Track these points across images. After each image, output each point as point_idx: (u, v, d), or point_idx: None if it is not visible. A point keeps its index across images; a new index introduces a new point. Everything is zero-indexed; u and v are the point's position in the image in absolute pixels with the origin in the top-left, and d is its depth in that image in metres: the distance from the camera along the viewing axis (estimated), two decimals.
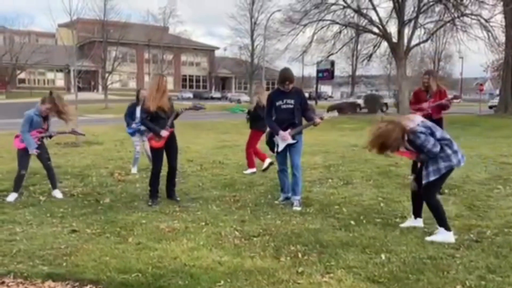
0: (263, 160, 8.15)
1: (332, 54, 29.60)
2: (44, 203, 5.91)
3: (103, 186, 7.02)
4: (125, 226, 4.85)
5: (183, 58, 66.37)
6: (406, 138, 4.33)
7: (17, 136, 6.17)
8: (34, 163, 6.57)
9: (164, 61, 55.28)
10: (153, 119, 5.84)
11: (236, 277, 3.54)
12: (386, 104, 35.12)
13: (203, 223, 4.96)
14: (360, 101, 34.36)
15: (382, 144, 4.34)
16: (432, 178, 4.41)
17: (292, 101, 5.71)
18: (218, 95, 61.29)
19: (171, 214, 5.37)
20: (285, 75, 5.73)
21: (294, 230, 4.71)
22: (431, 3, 25.12)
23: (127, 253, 4.06)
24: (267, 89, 52.13)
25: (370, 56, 30.72)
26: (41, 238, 4.48)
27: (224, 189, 6.74)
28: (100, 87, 50.96)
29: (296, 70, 53.76)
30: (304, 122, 5.84)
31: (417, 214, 4.84)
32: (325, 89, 73.09)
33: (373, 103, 34.06)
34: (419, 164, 4.88)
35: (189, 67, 68.22)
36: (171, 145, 6.01)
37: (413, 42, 25.99)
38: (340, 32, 27.44)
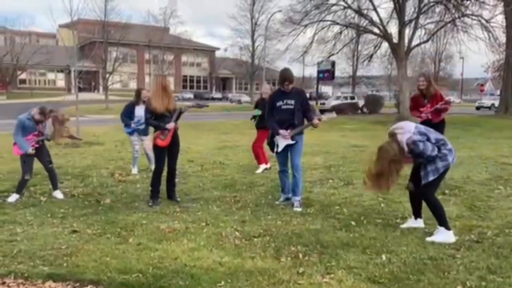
0: (263, 163, 8.23)
1: (332, 54, 29.54)
2: (44, 204, 5.92)
3: (104, 186, 7.02)
4: (126, 227, 4.86)
5: (184, 58, 66.40)
6: (406, 149, 4.31)
7: (15, 144, 6.18)
8: (35, 164, 6.56)
9: (165, 61, 55.30)
10: (157, 118, 5.85)
11: (237, 278, 3.54)
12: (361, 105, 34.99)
13: (204, 224, 4.96)
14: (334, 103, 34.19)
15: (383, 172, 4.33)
16: (431, 178, 4.42)
17: (292, 102, 5.71)
18: (218, 95, 61.33)
19: (171, 215, 5.37)
20: (285, 76, 5.73)
21: (295, 231, 4.71)
22: (432, 4, 25.09)
23: (128, 253, 4.06)
24: None
25: (371, 56, 30.68)
26: (42, 238, 4.48)
27: (225, 190, 6.74)
28: (100, 88, 50.96)
29: (297, 71, 53.84)
30: (305, 122, 5.85)
31: (417, 214, 4.84)
32: (326, 89, 73.05)
33: (374, 104, 34.07)
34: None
35: (189, 68, 68.26)
36: (174, 146, 6.02)
37: (414, 43, 25.94)
38: (340, 32, 27.40)
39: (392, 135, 4.40)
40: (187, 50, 63.88)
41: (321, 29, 26.89)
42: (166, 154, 6.00)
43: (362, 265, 3.79)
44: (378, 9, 26.13)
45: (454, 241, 4.34)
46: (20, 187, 6.19)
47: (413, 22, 25.15)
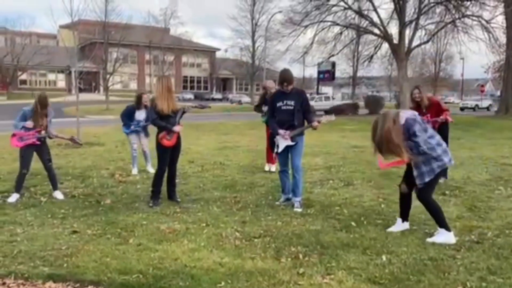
0: (270, 162, 8.28)
1: (333, 55, 29.60)
2: (45, 204, 5.92)
3: (104, 187, 7.02)
4: (126, 227, 4.86)
5: (184, 59, 66.43)
6: (402, 123, 4.30)
7: (13, 135, 6.18)
8: (36, 164, 6.58)
9: (165, 62, 55.35)
10: (162, 119, 5.87)
11: (237, 278, 3.54)
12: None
13: (204, 224, 4.96)
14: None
15: (384, 141, 4.32)
16: (427, 179, 4.40)
17: (292, 102, 5.71)
18: (219, 96, 61.39)
19: (171, 215, 5.37)
20: (284, 77, 5.74)
21: (295, 231, 4.71)
22: (432, 5, 25.12)
23: (128, 254, 4.06)
24: None
25: (371, 57, 30.73)
26: (42, 239, 4.48)
27: (225, 190, 6.74)
28: (101, 88, 50.98)
29: (297, 71, 53.82)
30: (306, 124, 5.84)
31: (404, 217, 4.81)
32: (326, 90, 73.04)
33: (374, 105, 34.06)
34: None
35: (190, 68, 68.29)
36: (177, 146, 6.05)
37: (414, 43, 26.01)
38: (341, 33, 27.45)
39: (396, 113, 4.40)
40: (187, 51, 63.92)
41: (322, 29, 26.96)
42: (170, 155, 6.00)
43: (363, 266, 3.79)
44: (379, 10, 26.22)
45: (455, 242, 4.34)
46: (19, 183, 6.19)
47: (414, 23, 25.20)
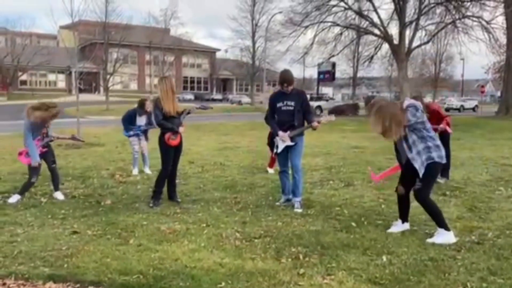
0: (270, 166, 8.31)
1: (333, 55, 29.63)
2: (45, 205, 5.92)
3: (104, 187, 7.02)
4: (126, 228, 4.86)
5: (184, 59, 66.45)
6: (403, 107, 4.36)
7: (20, 154, 6.17)
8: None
9: (165, 62, 55.33)
10: (167, 119, 5.87)
11: (237, 279, 3.54)
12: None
13: (204, 225, 4.96)
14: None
15: (384, 119, 4.35)
16: (428, 162, 4.39)
17: (293, 103, 5.71)
18: (219, 96, 61.40)
19: (172, 216, 5.37)
20: (284, 77, 5.74)
21: (295, 232, 4.71)
22: (432, 5, 25.14)
23: (128, 254, 4.06)
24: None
25: (371, 58, 30.76)
26: (42, 239, 4.48)
27: (225, 191, 6.74)
28: (101, 89, 51.01)
29: (297, 72, 53.78)
30: (306, 124, 5.85)
31: (404, 218, 4.80)
32: (326, 90, 73.08)
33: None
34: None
35: (190, 69, 68.31)
36: (179, 147, 6.07)
37: (414, 44, 26.03)
38: (341, 34, 27.47)
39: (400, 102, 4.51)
40: (187, 51, 63.95)
41: (322, 30, 26.98)
42: (173, 155, 6.00)
43: (363, 266, 3.78)
44: (379, 11, 26.24)
45: (455, 241, 4.33)
46: (24, 189, 6.20)
47: (414, 24, 25.21)
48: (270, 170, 8.20)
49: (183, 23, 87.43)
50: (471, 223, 5.01)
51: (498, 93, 45.11)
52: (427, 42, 27.53)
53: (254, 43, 50.33)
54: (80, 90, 20.36)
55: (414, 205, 5.62)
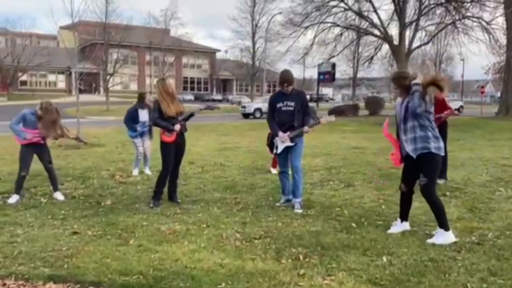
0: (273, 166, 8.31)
1: (333, 56, 29.64)
2: (45, 205, 5.92)
3: (104, 188, 7.02)
4: (126, 228, 4.86)
5: (184, 60, 66.45)
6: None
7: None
8: (36, 165, 6.57)
9: (166, 63, 55.35)
10: (166, 120, 5.86)
11: (237, 279, 3.54)
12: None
13: (204, 225, 4.96)
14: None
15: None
16: (424, 151, 4.41)
17: (293, 104, 5.71)
18: (219, 97, 61.39)
19: (172, 216, 5.37)
20: (284, 77, 5.74)
21: (295, 232, 4.71)
22: (432, 6, 25.15)
23: (128, 255, 4.06)
24: (268, 91, 51.90)
25: (371, 58, 30.77)
26: (42, 240, 4.48)
27: (225, 191, 6.74)
28: (101, 89, 51.02)
29: (297, 73, 53.89)
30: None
31: (404, 217, 4.80)
32: (326, 91, 73.15)
33: (375, 106, 34.06)
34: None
35: (190, 69, 68.30)
36: (181, 148, 6.04)
37: (414, 45, 26.06)
38: (341, 34, 27.49)
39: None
40: (187, 52, 63.97)
41: (322, 31, 26.99)
42: (174, 156, 5.99)
43: (363, 267, 3.78)
44: (379, 11, 26.25)
45: (455, 241, 4.33)
46: (18, 185, 6.19)
47: (414, 24, 25.23)
48: (273, 171, 8.18)
49: (183, 23, 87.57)
50: (471, 223, 5.01)
51: (498, 94, 45.06)
52: (427, 42, 27.57)
53: (254, 43, 50.39)
54: (80, 91, 20.37)
55: (414, 206, 5.62)
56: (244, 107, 31.32)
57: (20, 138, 6.04)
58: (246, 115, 28.00)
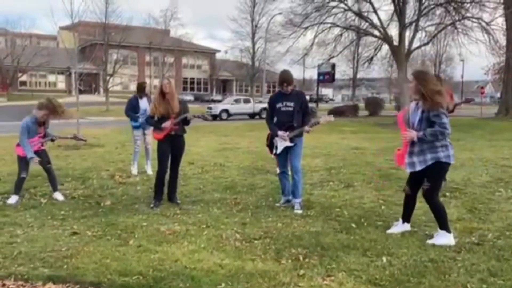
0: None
1: (333, 57, 29.60)
2: (45, 206, 5.92)
3: (104, 188, 7.02)
4: (126, 229, 4.85)
5: (184, 60, 66.43)
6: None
7: (18, 145, 6.18)
8: (36, 165, 6.57)
9: (165, 63, 55.32)
10: (159, 119, 5.89)
11: (237, 280, 3.54)
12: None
13: (204, 226, 4.96)
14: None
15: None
16: (418, 168, 4.37)
17: (292, 104, 5.71)
18: (219, 97, 61.35)
19: (172, 217, 5.36)
20: (283, 77, 5.74)
21: (295, 233, 4.71)
22: (432, 6, 25.13)
23: (128, 255, 4.06)
24: (268, 91, 51.88)
25: (371, 59, 30.74)
26: (42, 240, 4.48)
27: (225, 192, 6.74)
28: (101, 90, 51.01)
29: (297, 73, 53.84)
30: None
31: (406, 218, 4.80)
32: (326, 91, 73.17)
33: (374, 106, 34.08)
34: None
35: (190, 70, 68.29)
36: (177, 149, 6.03)
37: (414, 45, 26.00)
38: (341, 35, 27.46)
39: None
40: (187, 52, 63.95)
41: (322, 31, 26.94)
42: (169, 157, 5.99)
43: (363, 268, 3.78)
44: (379, 12, 26.21)
45: (454, 243, 4.33)
46: (18, 187, 6.19)
47: (414, 25, 25.20)
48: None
49: (183, 24, 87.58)
50: (471, 224, 5.00)
51: (498, 94, 45.06)
52: (427, 43, 27.52)
53: (254, 44, 50.36)
54: (80, 91, 20.36)
55: (415, 206, 5.61)
56: (210, 108, 31.28)
57: (28, 155, 6.01)
58: (214, 117, 27.91)
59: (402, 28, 24.91)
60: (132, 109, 8.10)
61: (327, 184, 7.25)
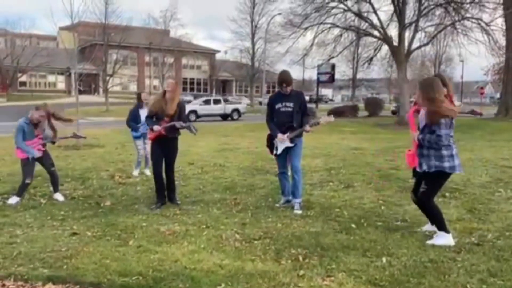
0: None
1: (332, 57, 29.57)
2: (44, 206, 5.92)
3: (104, 189, 7.02)
4: (126, 229, 4.85)
5: (184, 61, 66.41)
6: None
7: (18, 148, 6.19)
8: (36, 166, 6.57)
9: (165, 64, 55.29)
10: (152, 117, 5.97)
11: (237, 280, 3.54)
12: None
13: (204, 226, 4.96)
14: None
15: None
16: (433, 169, 4.33)
17: (291, 104, 5.71)
18: (218, 98, 61.32)
19: (171, 217, 5.36)
20: (282, 78, 5.75)
21: (295, 233, 4.71)
22: (432, 7, 25.12)
23: (128, 256, 4.06)
24: (268, 92, 51.84)
25: (371, 59, 30.72)
26: (42, 240, 4.48)
27: (225, 192, 6.74)
28: (101, 90, 51.00)
29: (297, 73, 53.88)
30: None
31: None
32: (326, 92, 73.17)
33: (374, 107, 34.06)
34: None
35: (190, 70, 68.27)
36: (169, 151, 5.98)
37: (414, 46, 25.97)
38: (340, 35, 27.44)
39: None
40: (187, 53, 63.92)
41: (321, 32, 26.91)
42: (162, 159, 5.97)
43: (363, 268, 3.78)
44: (378, 12, 26.19)
45: (454, 244, 4.33)
46: (21, 191, 6.20)
47: (413, 25, 25.18)
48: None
49: (182, 24, 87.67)
50: (471, 224, 5.01)
51: (498, 95, 45.05)
52: (427, 43, 27.51)
53: (253, 44, 50.36)
54: (80, 92, 20.29)
55: (414, 207, 5.62)
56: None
57: (30, 156, 6.02)
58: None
59: (402, 28, 24.91)
60: (133, 119, 8.16)
61: (327, 185, 7.25)
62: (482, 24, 24.11)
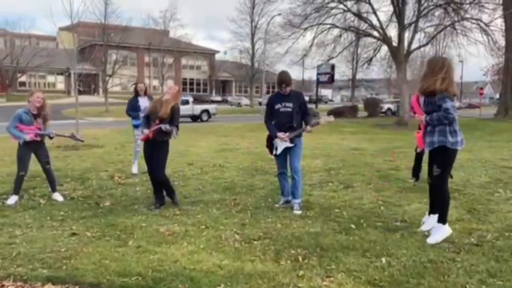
0: None
1: (332, 57, 29.62)
2: (44, 206, 5.91)
3: (103, 189, 7.01)
4: (125, 229, 4.85)
5: (184, 61, 66.44)
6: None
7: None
8: (35, 166, 6.57)
9: (165, 64, 55.34)
10: (147, 117, 5.99)
11: (237, 281, 3.54)
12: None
13: (203, 227, 4.96)
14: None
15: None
16: (436, 145, 4.42)
17: (291, 105, 5.71)
18: (218, 98, 61.37)
19: (171, 218, 5.36)
20: (281, 78, 5.75)
21: (295, 234, 4.71)
22: (431, 7, 25.15)
23: (127, 256, 4.06)
24: (267, 92, 51.93)
25: (370, 59, 30.75)
26: (41, 241, 4.47)
27: (225, 193, 6.74)
28: (100, 90, 50.99)
29: (297, 74, 53.93)
30: (304, 125, 5.84)
31: (434, 211, 4.79)
32: (325, 92, 73.22)
33: (374, 107, 34.09)
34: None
35: (189, 71, 68.29)
36: (157, 151, 5.86)
37: (413, 46, 26.00)
38: (340, 35, 27.47)
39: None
40: (187, 53, 63.98)
41: (321, 32, 26.94)
42: (150, 159, 5.91)
43: (362, 268, 3.78)
44: (378, 13, 26.20)
45: (451, 232, 4.45)
46: (17, 186, 6.18)
47: (413, 26, 25.21)
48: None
49: (182, 24, 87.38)
50: (470, 225, 5.01)
51: (497, 95, 45.10)
52: (426, 44, 27.52)
53: (253, 45, 50.38)
54: (79, 92, 20.29)
55: (414, 207, 5.63)
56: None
57: (21, 140, 6.03)
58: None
59: (401, 29, 24.93)
60: (132, 108, 8.23)
61: (327, 185, 7.25)
62: (482, 24, 24.15)
